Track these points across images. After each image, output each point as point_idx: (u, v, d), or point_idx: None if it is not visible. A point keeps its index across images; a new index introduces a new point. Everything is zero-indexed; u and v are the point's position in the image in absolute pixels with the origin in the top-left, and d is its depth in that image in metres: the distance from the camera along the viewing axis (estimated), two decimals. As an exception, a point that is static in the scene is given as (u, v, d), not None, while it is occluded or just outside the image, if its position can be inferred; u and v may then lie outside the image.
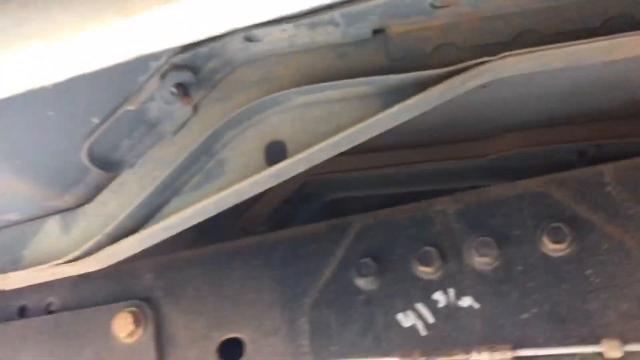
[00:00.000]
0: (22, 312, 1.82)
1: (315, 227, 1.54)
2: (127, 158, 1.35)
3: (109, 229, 1.29)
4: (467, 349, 1.27)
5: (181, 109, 1.30)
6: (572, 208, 1.33)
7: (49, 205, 1.40)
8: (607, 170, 1.34)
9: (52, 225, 1.41)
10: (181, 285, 1.60)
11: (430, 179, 2.05)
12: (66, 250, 1.34)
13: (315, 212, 2.31)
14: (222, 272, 1.57)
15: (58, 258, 1.33)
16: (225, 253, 1.59)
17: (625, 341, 1.23)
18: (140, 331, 1.57)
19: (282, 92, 1.24)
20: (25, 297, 1.81)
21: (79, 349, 1.66)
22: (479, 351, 1.25)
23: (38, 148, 1.25)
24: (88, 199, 1.40)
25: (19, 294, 1.77)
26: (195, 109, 1.31)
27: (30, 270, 1.32)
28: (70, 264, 1.29)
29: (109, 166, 1.34)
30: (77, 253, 1.29)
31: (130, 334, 1.57)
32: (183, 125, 1.32)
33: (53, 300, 1.77)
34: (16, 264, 1.42)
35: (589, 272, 1.28)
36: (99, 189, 1.39)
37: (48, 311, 1.77)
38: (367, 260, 1.39)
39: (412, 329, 1.36)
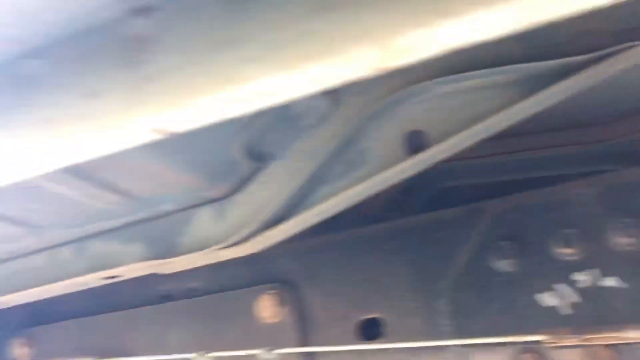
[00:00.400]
0: (167, 297, 1.97)
1: (447, 212, 1.59)
2: (272, 150, 1.45)
3: (263, 215, 1.38)
4: (618, 327, 1.29)
5: (323, 103, 1.37)
6: None
7: (201, 195, 1.51)
8: None
9: (205, 214, 1.52)
10: (319, 269, 1.69)
11: (550, 165, 2.03)
12: (221, 236, 1.45)
13: (427, 200, 2.35)
14: (358, 256, 1.65)
15: (214, 244, 1.44)
16: (359, 238, 1.67)
17: None
18: (282, 312, 1.68)
19: (423, 83, 1.28)
20: (168, 282, 1.95)
21: (223, 329, 1.79)
22: (635, 329, 1.26)
23: (198, 143, 1.37)
24: (235, 189, 1.50)
25: (162, 280, 1.91)
26: (336, 102, 1.38)
27: (194, 254, 1.43)
28: (230, 248, 1.40)
29: (258, 158, 1.44)
30: (235, 238, 1.39)
31: (273, 315, 1.67)
32: (324, 118, 1.40)
33: (195, 284, 1.91)
34: (173, 251, 1.54)
35: None
36: (245, 180, 1.49)
37: (191, 295, 1.92)
38: (507, 243, 1.44)
39: (554, 308, 1.39)
